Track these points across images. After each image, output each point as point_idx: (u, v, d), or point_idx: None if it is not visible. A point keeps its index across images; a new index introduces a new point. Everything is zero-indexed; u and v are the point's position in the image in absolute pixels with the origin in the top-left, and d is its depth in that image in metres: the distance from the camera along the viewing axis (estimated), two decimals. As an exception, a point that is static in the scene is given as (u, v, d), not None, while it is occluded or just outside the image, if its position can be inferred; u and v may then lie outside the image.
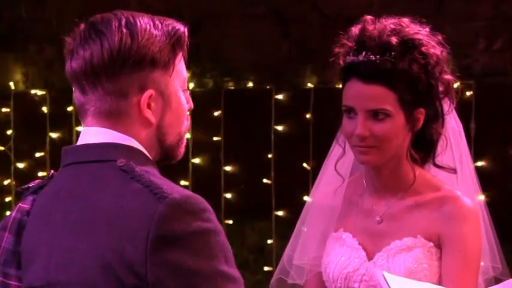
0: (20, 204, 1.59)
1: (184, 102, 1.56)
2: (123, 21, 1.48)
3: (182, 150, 1.60)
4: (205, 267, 1.37)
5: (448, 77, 2.05)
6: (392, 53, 1.96)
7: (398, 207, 2.07)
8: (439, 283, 1.97)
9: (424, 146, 2.08)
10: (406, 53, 1.97)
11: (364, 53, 1.97)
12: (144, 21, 1.50)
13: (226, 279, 1.39)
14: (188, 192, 1.43)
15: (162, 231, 1.36)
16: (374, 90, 1.97)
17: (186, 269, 1.35)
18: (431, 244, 2.00)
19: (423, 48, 1.99)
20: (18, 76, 6.75)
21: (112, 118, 1.49)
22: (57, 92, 6.40)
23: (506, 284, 2.02)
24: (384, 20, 2.06)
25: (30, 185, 1.61)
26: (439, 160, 2.11)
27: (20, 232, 1.55)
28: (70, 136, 6.18)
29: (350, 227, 2.11)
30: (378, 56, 1.96)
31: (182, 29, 1.56)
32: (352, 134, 2.01)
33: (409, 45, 1.99)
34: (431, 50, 2.01)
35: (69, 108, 6.16)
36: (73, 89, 1.54)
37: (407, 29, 2.01)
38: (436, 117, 2.05)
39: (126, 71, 1.46)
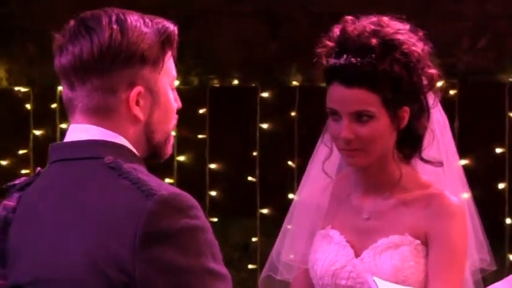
0: (5, 201, 1.56)
1: (173, 101, 1.56)
2: (114, 18, 1.48)
3: (170, 148, 1.60)
4: (193, 264, 1.37)
5: (431, 71, 2.06)
6: (373, 55, 1.96)
7: (385, 204, 2.08)
8: (426, 281, 1.99)
9: (411, 142, 2.09)
10: (387, 54, 1.97)
11: (345, 56, 1.98)
12: (134, 19, 1.50)
13: (215, 276, 1.39)
14: (176, 190, 1.43)
15: (150, 228, 1.35)
16: (356, 94, 1.98)
17: (175, 266, 1.36)
18: (418, 242, 2.01)
19: (404, 47, 2.00)
20: (2, 73, 6.72)
21: (100, 114, 1.49)
22: (41, 89, 6.38)
23: (508, 280, 2.05)
24: (364, 19, 2.06)
25: (17, 182, 1.59)
26: (425, 154, 2.12)
27: (5, 229, 1.53)
28: (54, 133, 6.17)
29: (337, 225, 2.12)
30: (358, 59, 1.96)
31: (172, 27, 1.56)
32: (338, 136, 2.02)
33: (390, 46, 1.99)
34: (412, 48, 2.01)
35: (53, 106, 6.15)
36: (61, 85, 1.54)
37: (387, 29, 2.01)
38: (421, 112, 2.06)
39: (115, 67, 1.46)
